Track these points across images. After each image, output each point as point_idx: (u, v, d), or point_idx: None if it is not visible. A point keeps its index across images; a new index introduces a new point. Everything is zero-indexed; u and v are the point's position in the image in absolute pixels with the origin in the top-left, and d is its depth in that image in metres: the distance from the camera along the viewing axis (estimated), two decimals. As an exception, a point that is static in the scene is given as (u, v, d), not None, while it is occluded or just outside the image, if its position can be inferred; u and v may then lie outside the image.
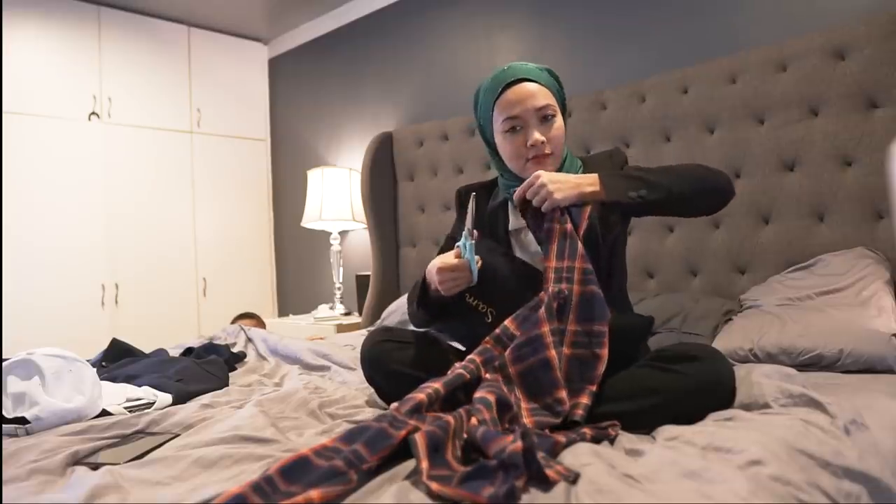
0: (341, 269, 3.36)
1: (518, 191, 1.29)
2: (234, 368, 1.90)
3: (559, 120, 1.34)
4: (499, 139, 1.37)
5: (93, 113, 3.40)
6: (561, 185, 1.24)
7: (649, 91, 2.25)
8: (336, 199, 3.25)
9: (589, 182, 1.25)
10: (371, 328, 2.77)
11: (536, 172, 1.26)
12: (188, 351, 2.03)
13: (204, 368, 1.71)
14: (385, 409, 1.31)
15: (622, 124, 2.31)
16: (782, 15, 2.05)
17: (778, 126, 1.96)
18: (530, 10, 2.78)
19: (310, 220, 3.28)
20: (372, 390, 1.44)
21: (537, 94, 1.32)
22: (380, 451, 0.88)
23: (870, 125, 1.79)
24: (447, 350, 1.40)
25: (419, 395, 1.04)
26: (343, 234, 3.60)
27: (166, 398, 1.45)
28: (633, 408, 1.08)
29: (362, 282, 3.28)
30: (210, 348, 2.02)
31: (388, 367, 1.35)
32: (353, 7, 3.58)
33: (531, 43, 2.78)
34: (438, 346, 1.40)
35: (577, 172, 1.39)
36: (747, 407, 1.07)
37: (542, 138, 1.31)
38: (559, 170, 1.37)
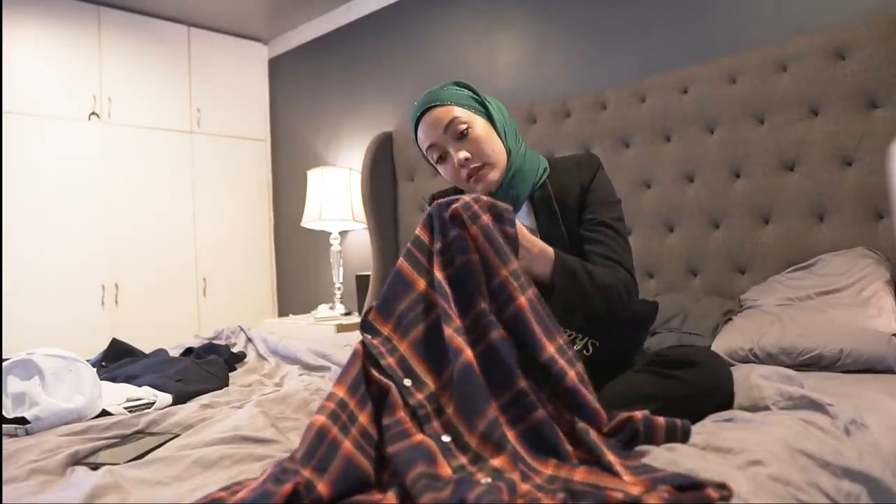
0: (341, 269, 3.36)
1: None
2: (234, 368, 1.91)
3: (478, 128, 1.29)
4: (439, 169, 1.37)
5: (93, 113, 3.40)
6: (529, 247, 1.15)
7: (649, 91, 2.25)
8: (336, 199, 3.25)
9: (542, 266, 1.16)
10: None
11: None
12: (188, 351, 2.03)
13: (204, 369, 1.71)
14: None
15: (622, 124, 2.31)
16: (783, 15, 2.05)
17: (778, 126, 1.96)
18: (530, 10, 2.78)
19: (310, 220, 3.28)
20: None
21: (440, 117, 1.28)
22: None
23: (870, 125, 1.79)
24: None
25: (318, 418, 0.84)
26: (343, 234, 3.60)
27: (166, 398, 1.46)
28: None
29: (362, 282, 3.28)
30: (210, 348, 2.02)
31: None
32: (353, 7, 3.58)
33: (531, 42, 2.78)
34: None
35: (539, 173, 1.35)
36: (746, 409, 1.07)
37: (466, 155, 1.27)
38: (509, 175, 1.32)
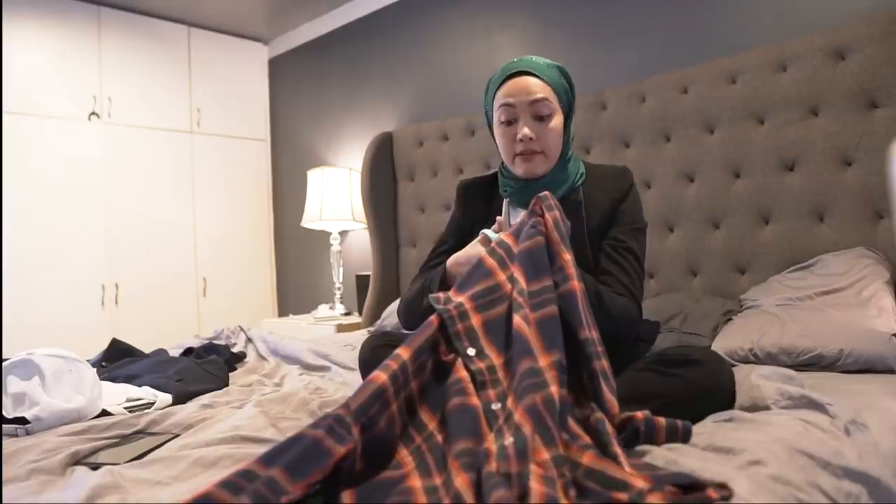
0: (341, 269, 3.36)
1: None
2: (234, 368, 1.90)
3: (556, 119, 1.32)
4: (495, 129, 1.37)
5: (93, 113, 3.40)
6: None
7: (649, 91, 2.25)
8: (336, 199, 3.25)
9: None
10: (371, 328, 2.77)
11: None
12: (188, 351, 2.03)
13: (204, 369, 1.71)
14: None
15: (622, 124, 2.31)
16: (783, 15, 2.05)
17: (778, 126, 1.96)
18: (531, 10, 2.78)
19: (310, 220, 3.28)
20: None
21: (535, 89, 1.30)
22: (307, 477, 0.71)
23: (870, 125, 1.79)
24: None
25: (380, 375, 0.89)
26: (343, 234, 3.60)
27: (166, 398, 1.45)
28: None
29: (362, 282, 3.28)
30: (210, 348, 2.02)
31: None
32: (353, 7, 3.58)
33: (531, 43, 2.78)
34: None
35: (577, 177, 1.38)
36: (747, 409, 1.07)
37: (531, 134, 1.30)
38: (554, 171, 1.36)
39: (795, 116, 1.92)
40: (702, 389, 1.09)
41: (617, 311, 1.22)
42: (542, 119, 1.31)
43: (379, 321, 2.74)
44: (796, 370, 1.52)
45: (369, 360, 1.37)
